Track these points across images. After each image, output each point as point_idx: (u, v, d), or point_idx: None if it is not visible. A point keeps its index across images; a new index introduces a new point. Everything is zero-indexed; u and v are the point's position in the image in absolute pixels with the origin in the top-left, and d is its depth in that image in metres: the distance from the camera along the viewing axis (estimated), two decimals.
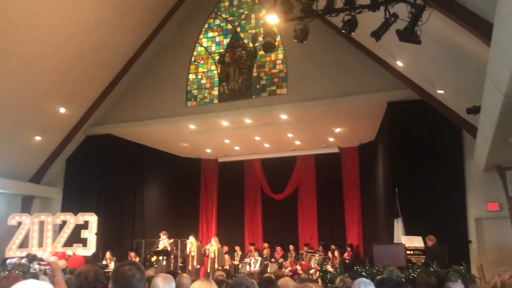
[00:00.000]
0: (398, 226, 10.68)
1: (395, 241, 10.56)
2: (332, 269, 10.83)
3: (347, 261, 13.64)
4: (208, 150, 17.15)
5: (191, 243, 14.02)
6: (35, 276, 5.50)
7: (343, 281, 4.93)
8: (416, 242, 9.88)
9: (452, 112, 10.73)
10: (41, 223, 12.97)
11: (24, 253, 12.31)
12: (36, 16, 11.11)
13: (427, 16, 6.09)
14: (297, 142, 15.76)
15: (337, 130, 14.23)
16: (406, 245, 9.61)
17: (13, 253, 12.43)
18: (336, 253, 13.82)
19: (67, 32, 12.01)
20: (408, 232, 10.38)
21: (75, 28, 12.10)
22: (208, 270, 13.83)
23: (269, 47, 7.10)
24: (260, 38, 13.56)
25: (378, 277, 5.18)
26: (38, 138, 13.91)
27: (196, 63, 14.64)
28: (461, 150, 11.18)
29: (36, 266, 5.29)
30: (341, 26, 6.58)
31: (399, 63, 10.68)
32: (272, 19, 6.75)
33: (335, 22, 10.56)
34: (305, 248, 15.16)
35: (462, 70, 8.68)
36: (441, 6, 6.50)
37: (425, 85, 10.81)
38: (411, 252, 9.66)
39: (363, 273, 8.56)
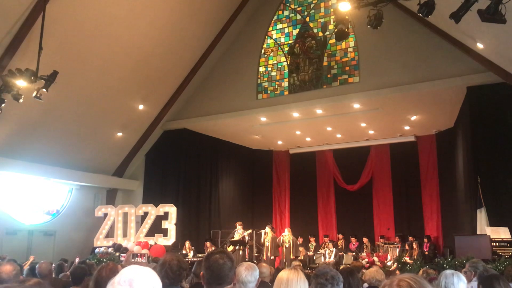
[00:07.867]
0: (482, 216, 10.19)
1: (478, 232, 10.08)
2: (411, 261, 10.55)
3: (426, 252, 13.21)
4: (280, 142, 17.22)
5: (266, 233, 14.11)
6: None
7: (426, 272, 4.79)
8: (502, 233, 9.40)
9: None
10: (125, 215, 13.76)
11: (110, 243, 13.13)
12: (112, 17, 11.70)
13: None
14: (371, 132, 15.40)
15: (413, 118, 13.74)
16: (491, 237, 9.18)
17: (101, 243, 13.30)
18: (415, 245, 13.40)
19: (140, 32, 12.55)
20: (493, 223, 9.88)
21: (148, 28, 12.61)
22: (284, 260, 13.84)
23: (342, 35, 7.00)
24: (331, 27, 13.54)
25: (464, 269, 4.98)
26: (119, 134, 14.71)
27: (266, 55, 14.74)
28: None
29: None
30: (418, 9, 6.33)
31: (480, 45, 10.11)
32: (344, 6, 6.64)
33: (409, 6, 10.19)
34: (381, 240, 14.81)
35: None
36: None
37: (509, 67, 10.15)
38: (497, 244, 9.25)
39: (445, 265, 8.29)
